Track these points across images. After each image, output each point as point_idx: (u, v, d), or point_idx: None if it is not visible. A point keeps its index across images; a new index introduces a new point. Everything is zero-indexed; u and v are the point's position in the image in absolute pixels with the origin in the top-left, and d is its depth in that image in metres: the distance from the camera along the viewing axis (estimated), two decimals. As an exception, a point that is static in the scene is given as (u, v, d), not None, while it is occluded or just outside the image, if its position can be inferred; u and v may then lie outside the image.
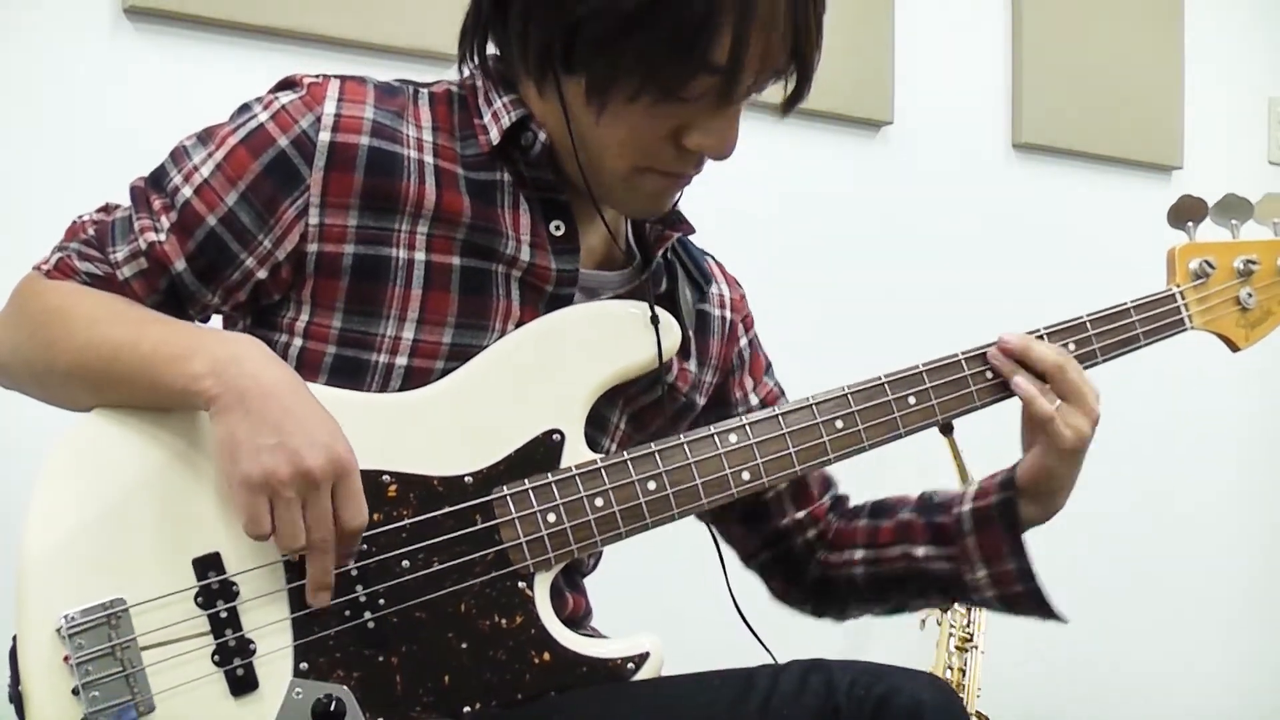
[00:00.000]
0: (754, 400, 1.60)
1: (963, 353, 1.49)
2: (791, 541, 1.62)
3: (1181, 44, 3.30)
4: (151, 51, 2.13)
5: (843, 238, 2.84)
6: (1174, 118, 3.29)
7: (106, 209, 1.40)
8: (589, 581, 1.56)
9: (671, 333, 1.41)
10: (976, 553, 1.51)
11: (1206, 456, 3.38)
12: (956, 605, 2.53)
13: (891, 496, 1.63)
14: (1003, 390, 1.49)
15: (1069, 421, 1.45)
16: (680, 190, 1.42)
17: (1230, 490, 3.44)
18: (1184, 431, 3.32)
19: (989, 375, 1.48)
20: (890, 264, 2.89)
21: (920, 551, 1.54)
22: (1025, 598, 1.51)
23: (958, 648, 2.55)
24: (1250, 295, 1.61)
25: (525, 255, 1.37)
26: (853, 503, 1.66)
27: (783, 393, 1.64)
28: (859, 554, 1.59)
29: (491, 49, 1.41)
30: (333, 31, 2.24)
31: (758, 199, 2.73)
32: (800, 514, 1.61)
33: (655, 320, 1.40)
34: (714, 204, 2.57)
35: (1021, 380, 1.46)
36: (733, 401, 1.59)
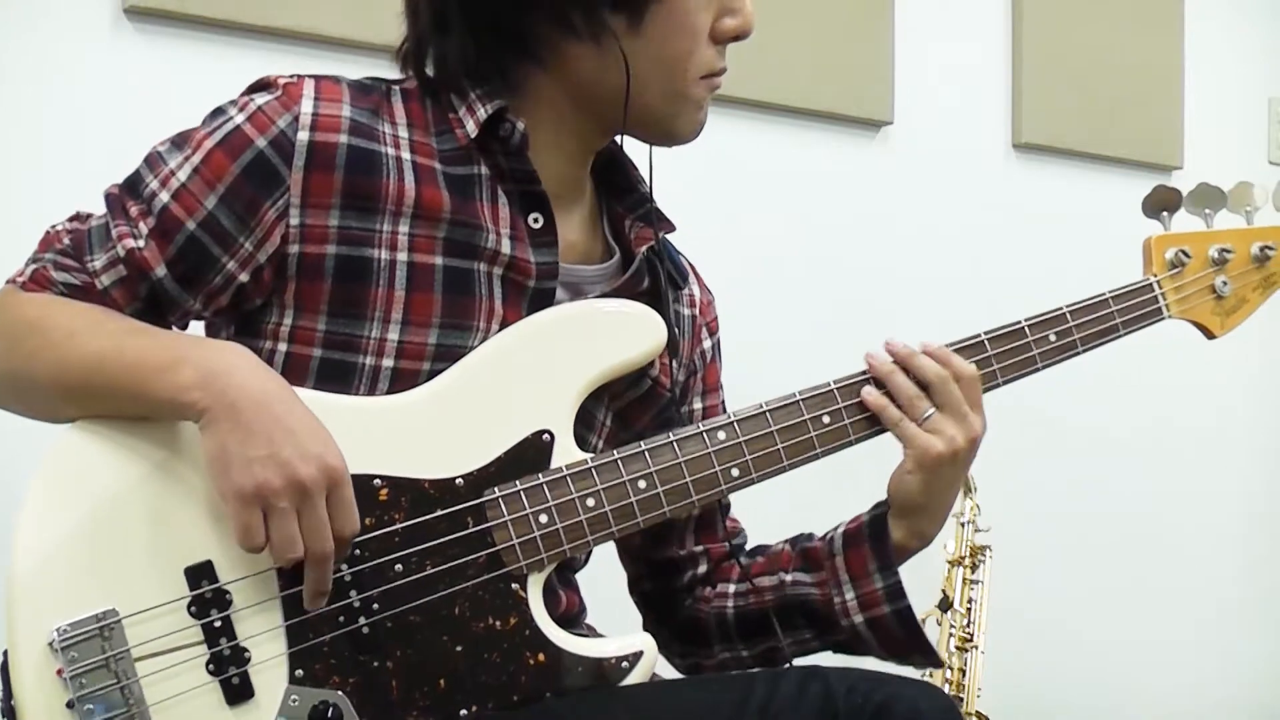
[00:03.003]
0: (697, 406, 1.58)
1: (949, 345, 1.48)
2: (678, 577, 1.59)
3: (1181, 44, 3.29)
4: (151, 51, 2.13)
5: (842, 238, 2.84)
6: (1174, 118, 3.28)
7: (79, 217, 1.38)
8: (583, 579, 1.55)
9: (659, 329, 1.41)
10: (844, 572, 1.47)
11: (1206, 458, 3.38)
12: (939, 610, 2.53)
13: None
14: (990, 380, 1.49)
15: (939, 431, 1.43)
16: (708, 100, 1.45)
17: (1229, 492, 3.44)
18: (1183, 433, 3.32)
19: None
20: (890, 264, 2.89)
21: (789, 578, 1.51)
22: (894, 622, 1.45)
23: (958, 648, 2.55)
24: (1225, 284, 1.62)
25: (506, 248, 1.38)
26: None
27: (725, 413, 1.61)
28: (731, 588, 1.56)
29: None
30: (333, 31, 2.24)
31: (758, 199, 2.73)
32: (698, 547, 1.58)
33: (668, 323, 1.41)
34: (714, 204, 2.58)
35: (871, 391, 1.44)
36: (686, 402, 1.58)
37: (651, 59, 1.37)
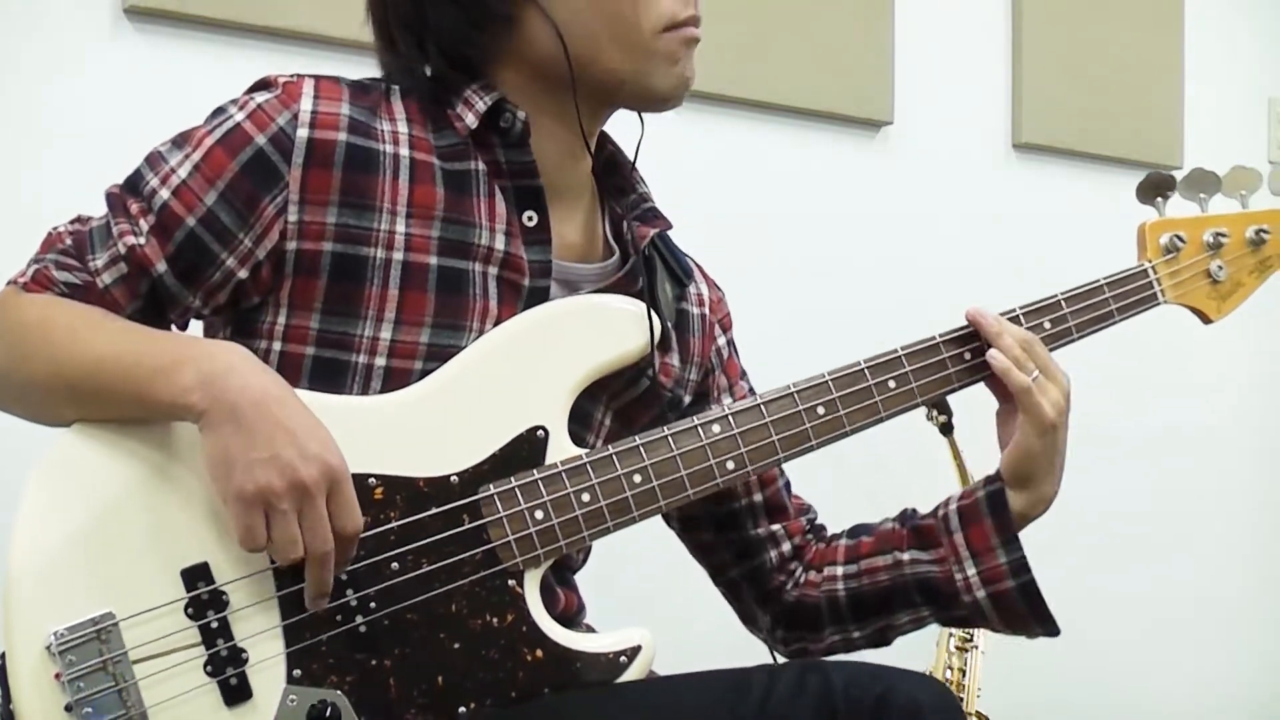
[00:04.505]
0: (727, 401, 1.58)
1: (940, 335, 1.50)
2: (764, 556, 1.59)
3: (1181, 44, 3.29)
4: (151, 51, 2.13)
5: (842, 238, 2.84)
6: (1174, 118, 3.28)
7: (81, 219, 1.39)
8: (581, 578, 1.56)
9: (652, 326, 1.41)
10: (965, 549, 1.48)
11: (1207, 457, 3.38)
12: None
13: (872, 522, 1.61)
14: (980, 371, 1.49)
15: (1046, 394, 1.45)
16: (692, 54, 1.42)
17: (1230, 491, 3.44)
18: (1185, 434, 3.32)
19: (967, 357, 1.50)
20: (890, 264, 2.89)
21: (906, 556, 1.52)
22: (1019, 596, 1.47)
23: (958, 648, 2.54)
24: (1221, 268, 1.62)
25: (500, 244, 1.38)
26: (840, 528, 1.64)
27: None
28: (840, 570, 1.56)
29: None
30: (332, 31, 2.24)
31: (758, 199, 2.73)
32: (775, 526, 1.59)
33: (650, 315, 1.41)
34: (714, 203, 2.58)
35: (997, 353, 1.46)
36: (710, 400, 1.59)
37: (590, 14, 1.36)
